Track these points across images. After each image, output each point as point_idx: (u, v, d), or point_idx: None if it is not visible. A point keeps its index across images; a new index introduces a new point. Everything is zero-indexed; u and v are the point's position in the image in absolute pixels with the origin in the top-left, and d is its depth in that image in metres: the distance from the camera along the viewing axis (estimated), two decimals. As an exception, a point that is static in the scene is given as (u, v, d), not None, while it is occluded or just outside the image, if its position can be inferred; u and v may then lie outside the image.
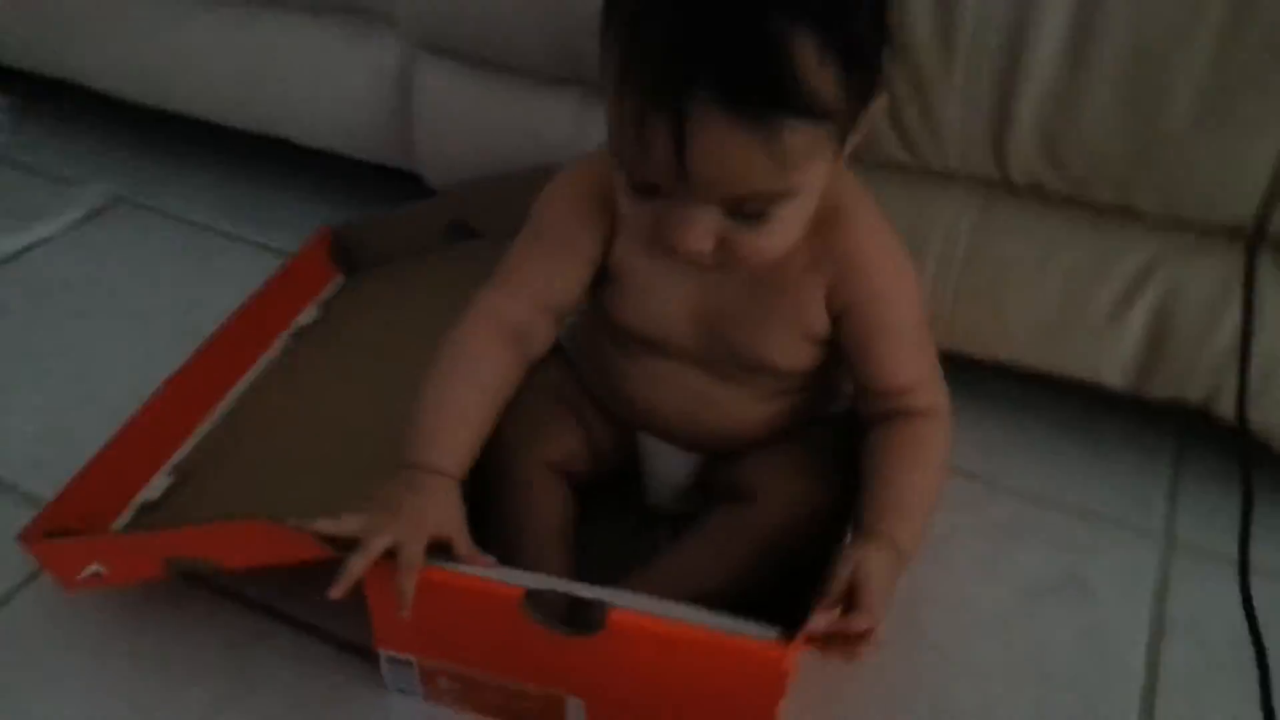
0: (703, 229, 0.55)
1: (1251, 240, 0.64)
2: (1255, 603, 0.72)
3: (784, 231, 0.57)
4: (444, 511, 0.58)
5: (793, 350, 0.65)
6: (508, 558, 0.62)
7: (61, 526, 0.67)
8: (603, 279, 0.67)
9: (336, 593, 0.54)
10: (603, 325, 0.70)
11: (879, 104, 0.58)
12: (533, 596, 0.56)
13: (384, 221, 0.94)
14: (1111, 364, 0.78)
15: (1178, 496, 0.82)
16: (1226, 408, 0.76)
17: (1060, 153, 0.69)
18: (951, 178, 0.76)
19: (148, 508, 0.72)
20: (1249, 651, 0.70)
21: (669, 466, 0.74)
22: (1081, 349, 0.78)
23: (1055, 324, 0.78)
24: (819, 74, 0.51)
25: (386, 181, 1.06)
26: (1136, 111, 0.65)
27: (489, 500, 0.67)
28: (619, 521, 0.74)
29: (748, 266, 0.59)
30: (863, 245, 0.62)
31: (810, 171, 0.55)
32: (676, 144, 0.51)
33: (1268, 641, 0.69)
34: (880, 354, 0.64)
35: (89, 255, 1.05)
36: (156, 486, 0.74)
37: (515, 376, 0.66)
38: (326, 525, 0.55)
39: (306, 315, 0.90)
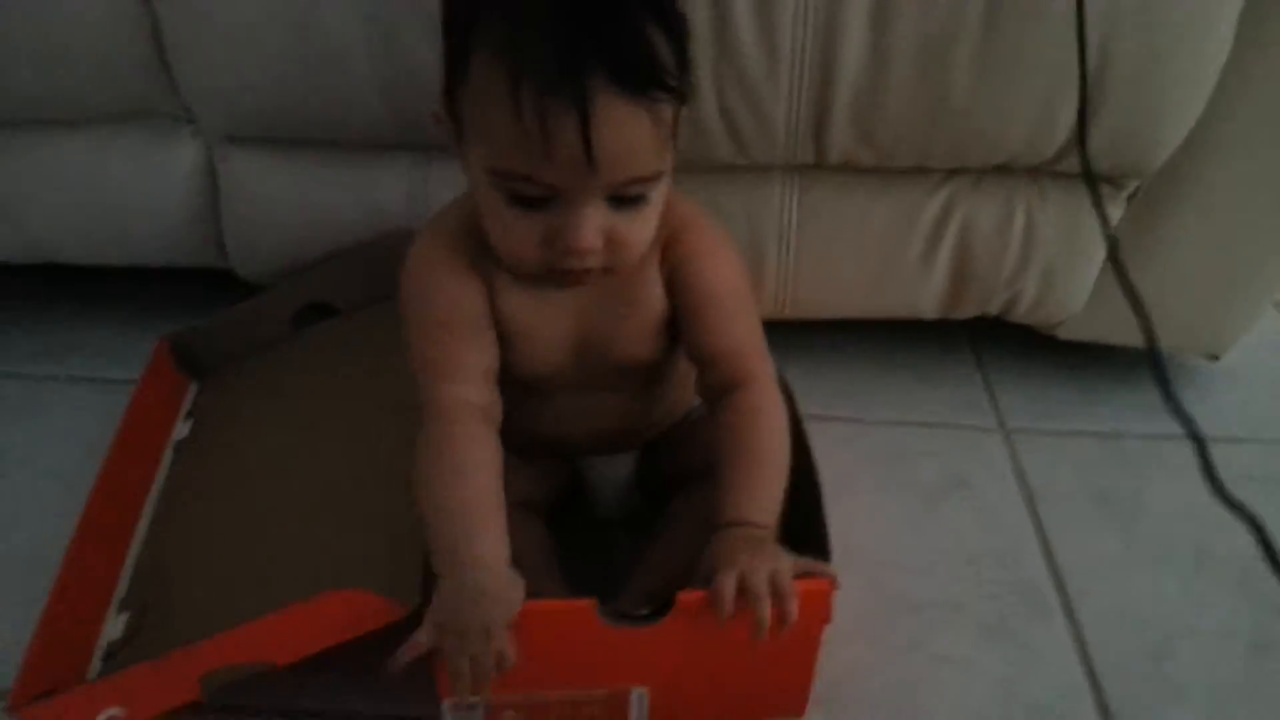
0: (595, 226, 0.61)
1: (1088, 177, 0.79)
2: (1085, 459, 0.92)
3: (653, 219, 0.64)
4: (512, 604, 0.61)
5: (645, 339, 0.71)
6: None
7: (40, 689, 0.62)
8: None
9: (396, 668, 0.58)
10: None
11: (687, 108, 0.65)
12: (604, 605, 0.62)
13: (229, 320, 0.92)
14: (928, 299, 0.93)
15: (994, 393, 1.00)
16: (1020, 313, 0.95)
17: (870, 133, 0.82)
18: (771, 169, 0.88)
19: (115, 649, 0.68)
20: (1096, 492, 0.89)
21: (610, 473, 0.81)
22: (901, 292, 0.93)
23: (878, 275, 0.92)
24: (669, 56, 0.60)
25: (191, 285, 1.03)
26: (928, 89, 0.79)
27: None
28: (575, 538, 0.79)
29: (626, 263, 0.64)
30: (683, 217, 0.69)
31: (670, 151, 0.62)
32: (583, 130, 0.57)
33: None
34: (709, 318, 0.69)
35: None
36: (115, 626, 0.70)
37: (500, 449, 0.68)
38: (413, 651, 0.58)
39: (180, 430, 0.87)
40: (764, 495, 0.66)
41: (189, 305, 1.03)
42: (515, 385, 0.72)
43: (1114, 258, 0.81)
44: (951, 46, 0.77)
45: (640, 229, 0.64)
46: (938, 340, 1.05)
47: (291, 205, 0.91)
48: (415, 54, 0.79)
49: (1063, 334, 0.97)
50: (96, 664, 0.68)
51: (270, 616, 0.59)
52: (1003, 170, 0.87)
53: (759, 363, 0.70)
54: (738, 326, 0.70)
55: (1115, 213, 0.88)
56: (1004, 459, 0.92)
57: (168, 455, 0.85)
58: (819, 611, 0.63)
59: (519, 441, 0.75)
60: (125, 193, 0.92)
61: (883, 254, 0.91)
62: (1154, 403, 0.96)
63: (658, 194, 0.63)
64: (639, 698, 0.66)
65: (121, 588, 0.73)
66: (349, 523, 0.70)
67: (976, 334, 1.07)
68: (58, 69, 0.85)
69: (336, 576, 0.63)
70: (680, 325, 0.70)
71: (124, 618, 0.70)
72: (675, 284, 0.69)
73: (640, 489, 0.82)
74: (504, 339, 0.69)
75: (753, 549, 0.62)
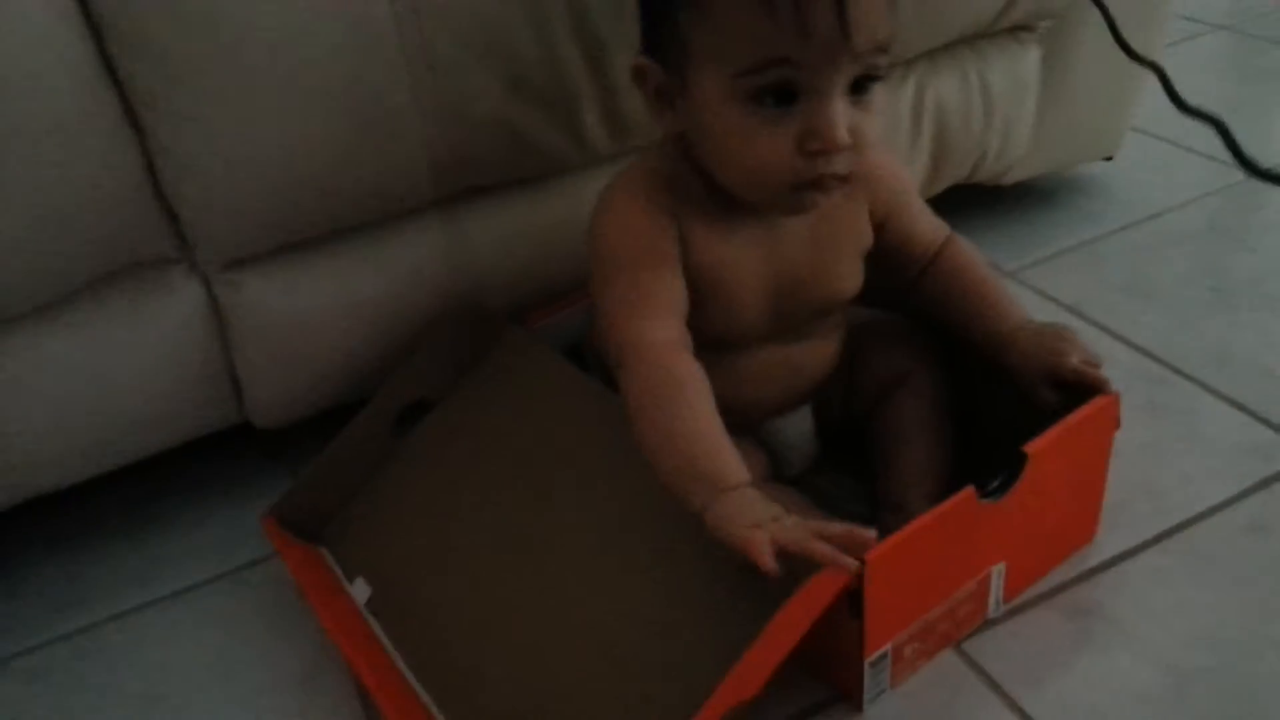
0: (844, 120, 0.62)
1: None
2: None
3: (878, 113, 0.66)
4: (784, 508, 0.60)
5: (855, 273, 0.75)
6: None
7: None
8: None
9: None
10: None
11: None
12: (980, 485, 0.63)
13: (328, 464, 0.81)
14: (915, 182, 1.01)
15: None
16: (984, 172, 1.06)
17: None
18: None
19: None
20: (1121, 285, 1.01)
21: (794, 431, 0.81)
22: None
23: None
24: None
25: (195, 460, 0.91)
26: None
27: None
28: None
29: (860, 166, 0.65)
30: (877, 160, 0.72)
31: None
32: (839, 4, 0.58)
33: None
34: (920, 229, 0.77)
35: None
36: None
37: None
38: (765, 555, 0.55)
39: (359, 593, 0.75)
40: (1015, 302, 0.75)
41: (213, 481, 0.92)
42: (707, 349, 0.70)
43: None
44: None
45: (873, 123, 0.65)
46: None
47: (318, 312, 0.81)
48: (463, 70, 0.74)
49: (1009, 180, 1.09)
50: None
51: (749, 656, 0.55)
52: (950, 45, 0.97)
53: (943, 228, 0.78)
54: (925, 210, 0.78)
55: (1034, 54, 1.01)
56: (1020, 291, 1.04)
57: (368, 617, 0.74)
58: (1109, 419, 0.69)
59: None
60: (121, 371, 0.77)
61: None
62: (1099, 209, 1.15)
63: (880, 91, 0.65)
64: (998, 573, 0.68)
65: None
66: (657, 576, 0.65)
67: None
68: (54, 238, 0.70)
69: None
70: (885, 240, 0.75)
71: None
72: (879, 211, 0.74)
73: (819, 436, 0.82)
74: (698, 291, 0.69)
75: (1059, 336, 0.70)
